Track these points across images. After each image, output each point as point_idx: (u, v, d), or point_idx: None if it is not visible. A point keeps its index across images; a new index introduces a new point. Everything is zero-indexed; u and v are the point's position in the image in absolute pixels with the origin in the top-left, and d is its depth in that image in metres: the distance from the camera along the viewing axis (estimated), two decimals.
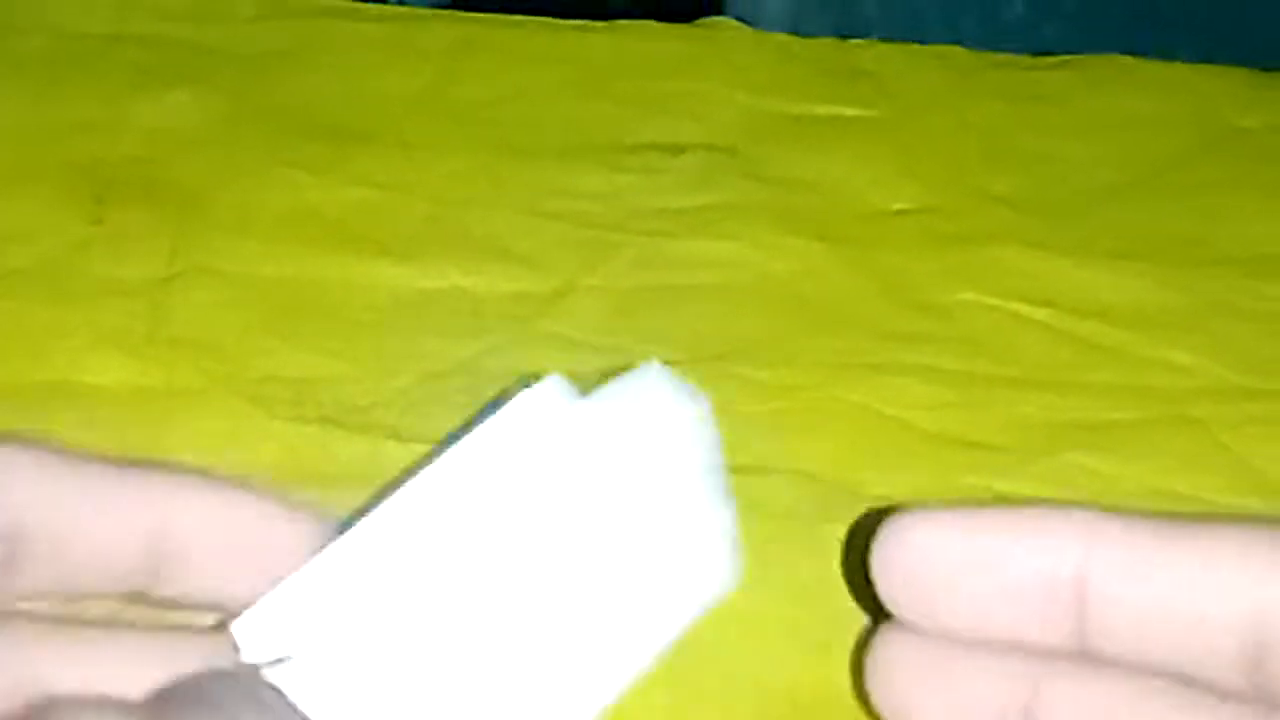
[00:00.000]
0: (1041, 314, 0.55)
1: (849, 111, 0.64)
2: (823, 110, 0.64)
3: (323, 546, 0.31)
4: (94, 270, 0.54)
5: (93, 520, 0.31)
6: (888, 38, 0.69)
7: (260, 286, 0.54)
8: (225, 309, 0.53)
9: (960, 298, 0.56)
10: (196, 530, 0.32)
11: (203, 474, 0.33)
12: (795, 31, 0.69)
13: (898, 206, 0.60)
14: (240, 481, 0.33)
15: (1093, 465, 0.50)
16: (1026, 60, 0.67)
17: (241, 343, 0.52)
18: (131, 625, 0.33)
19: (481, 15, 0.67)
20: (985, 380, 0.53)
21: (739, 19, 0.69)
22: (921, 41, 0.68)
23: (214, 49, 0.64)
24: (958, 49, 0.67)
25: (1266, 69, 0.67)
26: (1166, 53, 0.68)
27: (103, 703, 0.26)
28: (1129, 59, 0.67)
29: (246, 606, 0.31)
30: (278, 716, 0.29)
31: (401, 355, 0.52)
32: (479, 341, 0.53)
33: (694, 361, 0.53)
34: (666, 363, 0.55)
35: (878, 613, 0.36)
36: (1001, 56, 0.67)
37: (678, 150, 0.62)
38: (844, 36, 0.68)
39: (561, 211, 0.58)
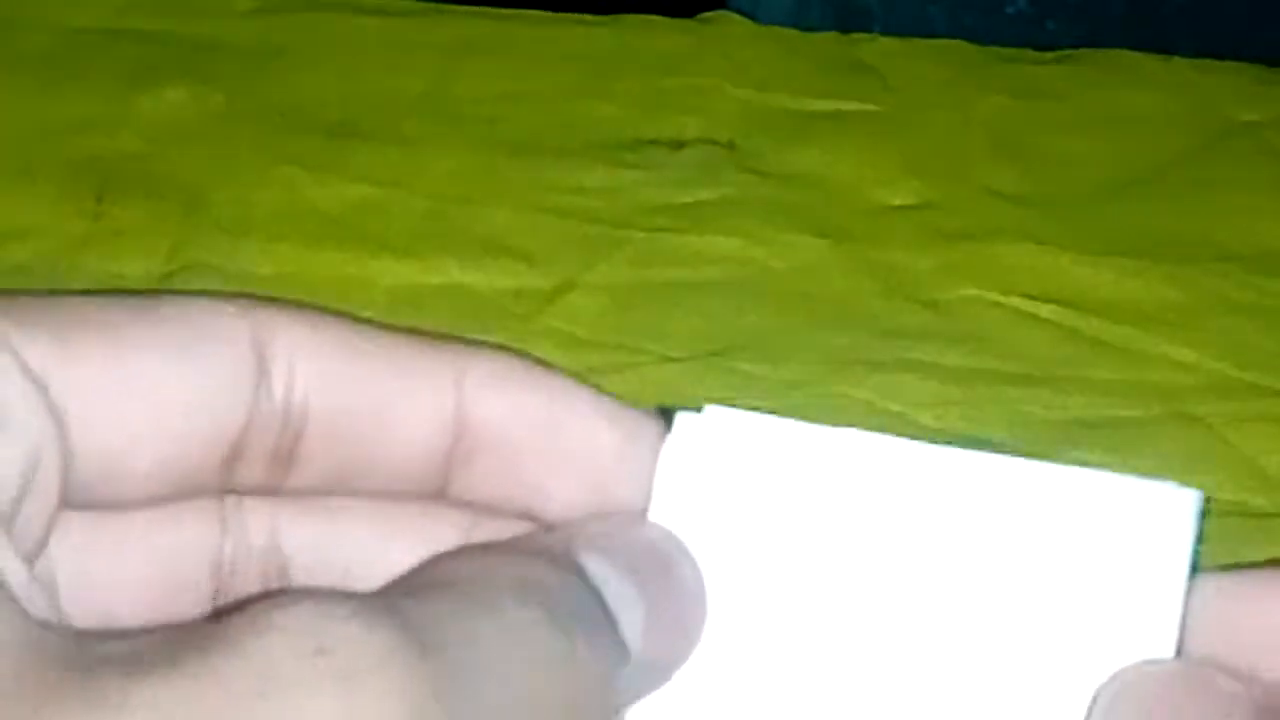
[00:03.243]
0: (1044, 310, 0.55)
1: (851, 106, 0.64)
2: (824, 105, 0.64)
3: (653, 458, 0.27)
4: (93, 266, 0.54)
5: (390, 406, 0.26)
6: (890, 32, 0.69)
7: (259, 283, 0.54)
8: None
9: (963, 294, 0.56)
10: (510, 422, 0.27)
11: (512, 353, 0.28)
12: (797, 25, 0.69)
13: (899, 202, 0.60)
14: (554, 370, 0.28)
15: (1095, 462, 0.50)
16: (1029, 55, 0.67)
17: None
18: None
19: (481, 10, 0.67)
20: (988, 377, 0.53)
21: (741, 13, 0.69)
22: (924, 36, 0.68)
23: (212, 44, 0.64)
24: (960, 44, 0.67)
25: (1269, 64, 0.67)
26: (1169, 48, 0.67)
27: (330, 596, 0.22)
28: (1132, 54, 0.67)
29: (562, 515, 0.27)
30: (569, 616, 0.24)
31: None
32: (480, 338, 0.53)
33: (695, 358, 0.53)
34: (667, 360, 0.55)
35: None
36: (1004, 51, 0.67)
37: (679, 145, 0.61)
38: (846, 31, 0.68)
39: (562, 207, 0.58)
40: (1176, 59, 0.67)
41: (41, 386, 0.24)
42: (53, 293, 0.26)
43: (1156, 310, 0.56)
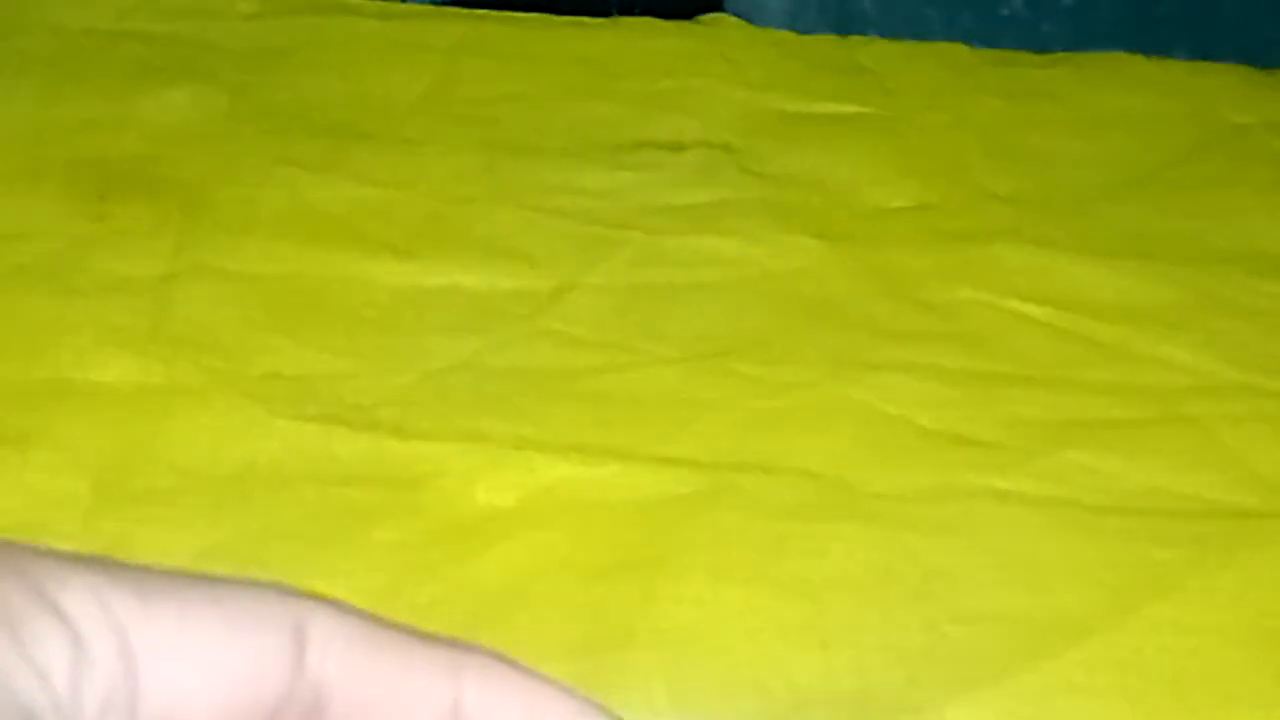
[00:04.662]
0: (1040, 312, 0.56)
1: (848, 108, 0.64)
2: (822, 107, 0.64)
3: None
4: (97, 267, 0.54)
5: (401, 695, 0.29)
6: (886, 34, 0.69)
7: (262, 284, 0.55)
8: (227, 306, 0.53)
9: (959, 295, 0.56)
10: (502, 711, 0.30)
11: (496, 653, 0.31)
12: (794, 28, 0.69)
13: (897, 204, 0.60)
14: (533, 669, 0.31)
15: (1091, 463, 0.50)
16: (1025, 57, 0.67)
17: (243, 340, 0.52)
18: None
19: (482, 12, 0.67)
20: (985, 378, 0.53)
21: (738, 16, 0.69)
22: (920, 38, 0.68)
23: (215, 46, 0.64)
24: (957, 46, 0.68)
25: (1263, 67, 0.67)
26: (1164, 50, 0.68)
27: None
28: (1127, 56, 0.67)
29: None
30: None
31: (403, 352, 0.52)
32: (480, 339, 0.53)
33: (693, 358, 0.53)
34: (666, 360, 0.55)
35: None
36: (1000, 53, 0.67)
37: (678, 148, 0.62)
38: (843, 33, 0.68)
39: (562, 209, 0.58)
40: (1171, 61, 0.67)
41: (121, 633, 0.27)
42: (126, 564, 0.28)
43: (1152, 311, 0.56)
